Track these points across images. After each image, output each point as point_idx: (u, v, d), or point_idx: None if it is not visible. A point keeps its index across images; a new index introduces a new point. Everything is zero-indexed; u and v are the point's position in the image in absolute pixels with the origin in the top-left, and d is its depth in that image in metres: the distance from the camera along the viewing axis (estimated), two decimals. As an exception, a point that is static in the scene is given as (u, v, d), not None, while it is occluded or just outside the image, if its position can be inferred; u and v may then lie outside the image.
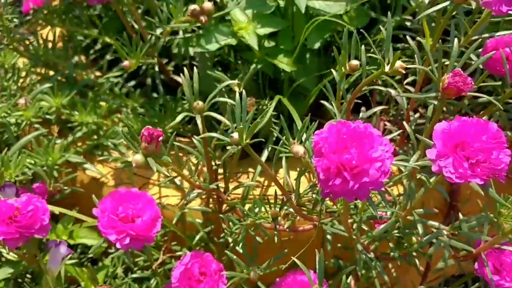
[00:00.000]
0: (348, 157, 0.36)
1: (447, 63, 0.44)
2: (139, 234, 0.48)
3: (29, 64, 0.77)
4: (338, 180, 0.37)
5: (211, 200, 0.60)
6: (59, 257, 0.52)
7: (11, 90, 0.68)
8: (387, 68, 0.43)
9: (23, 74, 0.77)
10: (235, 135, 0.43)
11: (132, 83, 0.76)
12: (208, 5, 0.50)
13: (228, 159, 0.58)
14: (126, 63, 0.55)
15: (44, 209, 0.48)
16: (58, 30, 0.81)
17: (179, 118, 0.49)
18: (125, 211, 0.49)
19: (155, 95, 0.76)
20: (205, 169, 0.58)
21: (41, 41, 0.76)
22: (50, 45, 0.76)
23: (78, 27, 0.77)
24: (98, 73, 0.78)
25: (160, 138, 0.44)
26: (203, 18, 0.51)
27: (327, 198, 0.44)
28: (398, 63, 0.43)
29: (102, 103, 0.70)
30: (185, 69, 0.48)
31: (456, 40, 0.44)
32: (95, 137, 0.68)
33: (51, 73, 0.77)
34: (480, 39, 0.48)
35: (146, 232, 0.49)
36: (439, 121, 0.42)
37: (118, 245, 0.48)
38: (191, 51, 0.68)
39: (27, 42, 0.76)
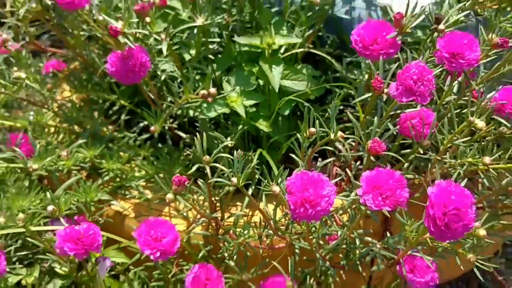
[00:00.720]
0: (307, 194, 0.58)
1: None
2: (165, 250, 0.69)
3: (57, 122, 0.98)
4: (302, 209, 0.59)
5: (210, 226, 0.82)
6: (105, 267, 0.72)
7: (52, 145, 0.88)
8: (332, 136, 0.66)
9: (52, 130, 0.98)
10: (234, 180, 0.65)
11: (143, 136, 0.97)
12: (213, 90, 0.73)
13: (223, 196, 0.80)
14: (152, 128, 0.77)
15: (98, 234, 0.68)
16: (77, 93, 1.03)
17: (194, 168, 0.71)
18: (156, 234, 0.69)
19: (159, 145, 0.97)
20: (206, 203, 0.80)
21: (69, 104, 0.97)
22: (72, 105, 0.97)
23: (99, 93, 0.99)
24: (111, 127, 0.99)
25: (186, 183, 0.65)
26: (209, 99, 0.73)
27: (295, 222, 0.66)
28: (340, 133, 0.66)
29: (122, 154, 0.91)
30: (198, 134, 0.70)
31: (376, 117, 0.68)
32: (118, 179, 0.89)
33: (77, 128, 0.98)
34: (395, 113, 0.73)
35: (170, 248, 0.69)
36: (369, 169, 0.65)
37: (152, 257, 0.68)
38: (191, 113, 0.91)
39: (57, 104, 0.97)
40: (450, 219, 0.56)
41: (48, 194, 0.76)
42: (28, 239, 0.71)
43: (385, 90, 0.67)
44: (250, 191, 0.82)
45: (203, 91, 0.73)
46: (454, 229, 0.56)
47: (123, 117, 0.97)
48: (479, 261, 0.69)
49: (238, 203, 0.84)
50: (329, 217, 0.62)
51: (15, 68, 0.93)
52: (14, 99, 0.97)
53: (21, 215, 0.67)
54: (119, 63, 0.74)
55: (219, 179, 0.67)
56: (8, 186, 0.82)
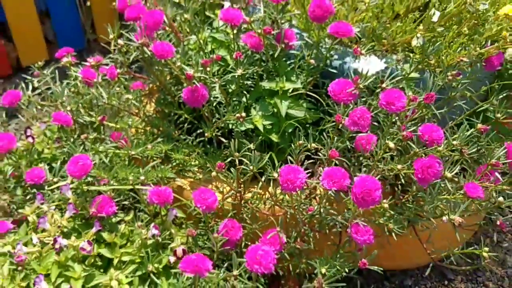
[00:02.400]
0: (290, 177, 1.05)
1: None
2: (209, 205, 1.16)
3: (143, 126, 1.49)
4: (287, 185, 1.06)
5: (236, 198, 1.30)
6: (172, 215, 1.21)
7: (142, 140, 1.39)
8: (309, 146, 1.13)
9: (133, 131, 1.49)
10: (251, 167, 1.13)
11: (198, 139, 1.47)
12: (244, 114, 1.21)
13: (245, 179, 1.28)
14: (206, 134, 1.26)
15: (171, 193, 1.18)
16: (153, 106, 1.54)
17: (228, 160, 1.19)
18: (204, 195, 1.17)
19: (208, 146, 1.47)
20: (234, 184, 1.28)
21: (153, 114, 1.49)
22: (155, 116, 1.48)
23: (171, 108, 1.49)
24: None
25: (224, 167, 1.14)
26: (241, 119, 1.22)
27: (285, 194, 1.14)
28: (313, 144, 1.13)
29: (184, 150, 1.41)
30: (232, 140, 1.18)
31: (336, 137, 1.14)
32: (181, 165, 1.39)
33: (156, 131, 1.49)
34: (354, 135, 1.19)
35: (212, 205, 1.17)
36: (329, 166, 1.11)
37: (201, 210, 1.16)
38: (230, 126, 1.39)
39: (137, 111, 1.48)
40: (364, 195, 1.02)
41: (140, 170, 1.27)
42: (131, 193, 1.21)
43: (343, 122, 1.14)
44: (263, 178, 1.31)
45: (238, 114, 1.22)
46: (366, 201, 1.02)
47: (186, 125, 1.47)
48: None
49: (255, 186, 1.33)
50: (302, 192, 1.10)
51: (117, 89, 1.45)
52: (117, 109, 1.49)
53: (131, 178, 1.17)
54: (189, 94, 1.24)
55: (243, 167, 1.15)
56: (115, 163, 1.33)
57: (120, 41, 1.36)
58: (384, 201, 1.07)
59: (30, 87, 1.56)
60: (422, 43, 1.24)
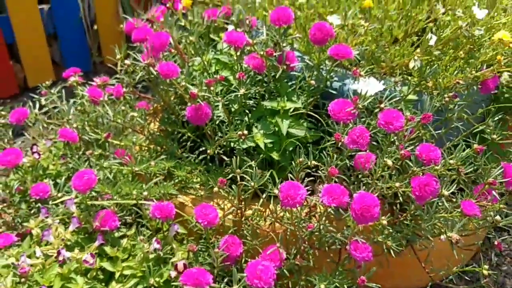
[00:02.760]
0: (290, 192, 1.08)
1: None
2: (210, 221, 1.19)
3: (147, 143, 1.52)
4: (287, 201, 1.08)
5: (236, 215, 1.32)
6: (174, 230, 1.23)
7: (146, 157, 1.42)
8: (309, 163, 1.16)
9: (138, 148, 1.52)
10: (252, 183, 1.16)
11: (200, 157, 1.49)
12: (246, 132, 1.25)
13: (246, 196, 1.30)
14: (209, 151, 1.29)
15: (173, 208, 1.20)
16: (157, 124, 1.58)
17: (229, 176, 1.22)
18: (205, 211, 1.20)
19: (210, 164, 1.49)
20: (236, 201, 1.30)
21: (156, 132, 1.52)
22: (159, 134, 1.52)
23: (175, 127, 1.52)
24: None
25: (225, 182, 1.16)
26: (243, 137, 1.25)
27: (285, 211, 1.16)
28: (313, 162, 1.15)
29: (187, 167, 1.44)
30: (234, 157, 1.21)
31: (336, 155, 1.17)
32: (183, 182, 1.41)
33: (159, 148, 1.52)
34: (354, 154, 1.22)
35: (213, 220, 1.19)
36: (329, 183, 1.14)
37: (202, 225, 1.18)
38: (232, 144, 1.42)
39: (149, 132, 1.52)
40: (363, 211, 1.04)
41: (143, 186, 1.29)
42: (134, 208, 1.23)
43: (342, 140, 1.17)
44: (264, 195, 1.33)
45: (240, 132, 1.25)
46: (365, 217, 1.04)
47: (188, 144, 1.50)
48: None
49: (255, 203, 1.35)
50: (302, 209, 1.12)
51: (122, 108, 1.49)
52: (122, 127, 1.53)
53: (134, 193, 1.20)
54: (193, 112, 1.28)
55: (244, 183, 1.18)
56: (119, 179, 1.35)
57: (127, 61, 1.41)
58: (383, 218, 1.09)
59: (37, 105, 1.60)
60: (420, 66, 1.28)
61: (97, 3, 2.58)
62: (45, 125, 1.65)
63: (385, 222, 1.09)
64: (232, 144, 1.41)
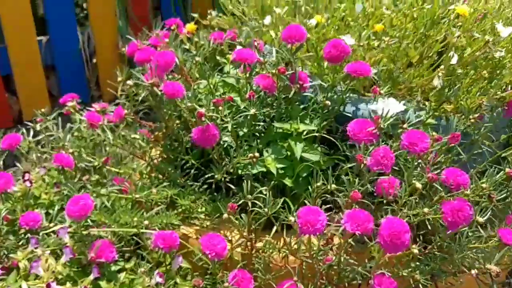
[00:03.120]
0: (310, 219, 0.97)
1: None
2: (219, 252, 1.07)
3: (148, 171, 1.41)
4: (307, 228, 0.97)
5: (246, 247, 1.20)
6: (177, 262, 1.10)
7: (147, 185, 1.31)
8: (329, 187, 1.06)
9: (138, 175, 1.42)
10: (266, 209, 1.05)
11: (205, 186, 1.39)
12: (257, 154, 1.15)
13: (257, 226, 1.19)
14: (216, 176, 1.19)
15: (177, 238, 1.08)
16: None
17: (239, 203, 1.11)
18: (213, 241, 1.08)
19: (215, 193, 1.38)
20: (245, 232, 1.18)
21: (159, 159, 1.42)
22: (161, 161, 1.41)
23: (178, 154, 1.42)
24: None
25: (235, 208, 1.05)
26: (254, 160, 1.15)
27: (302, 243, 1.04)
28: (333, 186, 1.05)
29: (191, 196, 1.33)
30: (245, 182, 1.11)
31: (357, 178, 1.07)
32: (187, 212, 1.30)
33: (161, 176, 1.41)
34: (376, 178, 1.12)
35: (222, 252, 1.07)
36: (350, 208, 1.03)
37: (209, 256, 1.06)
38: (239, 171, 1.32)
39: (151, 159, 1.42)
40: (393, 237, 0.93)
41: (145, 214, 1.18)
42: (134, 238, 1.11)
43: (365, 162, 1.07)
44: (277, 224, 1.21)
45: (251, 154, 1.15)
46: (395, 244, 0.93)
47: (192, 171, 1.40)
48: None
49: (266, 235, 1.23)
50: (322, 236, 1.01)
51: (123, 133, 1.40)
52: (121, 156, 1.43)
53: (135, 220, 1.08)
54: (200, 133, 1.18)
55: (256, 210, 1.07)
56: (118, 207, 1.24)
57: (129, 82, 1.32)
58: (413, 246, 0.98)
59: (32, 133, 1.50)
60: (442, 85, 1.20)
61: (97, 36, 2.53)
62: (39, 154, 1.54)
63: (416, 251, 0.97)
64: (239, 171, 1.31)
